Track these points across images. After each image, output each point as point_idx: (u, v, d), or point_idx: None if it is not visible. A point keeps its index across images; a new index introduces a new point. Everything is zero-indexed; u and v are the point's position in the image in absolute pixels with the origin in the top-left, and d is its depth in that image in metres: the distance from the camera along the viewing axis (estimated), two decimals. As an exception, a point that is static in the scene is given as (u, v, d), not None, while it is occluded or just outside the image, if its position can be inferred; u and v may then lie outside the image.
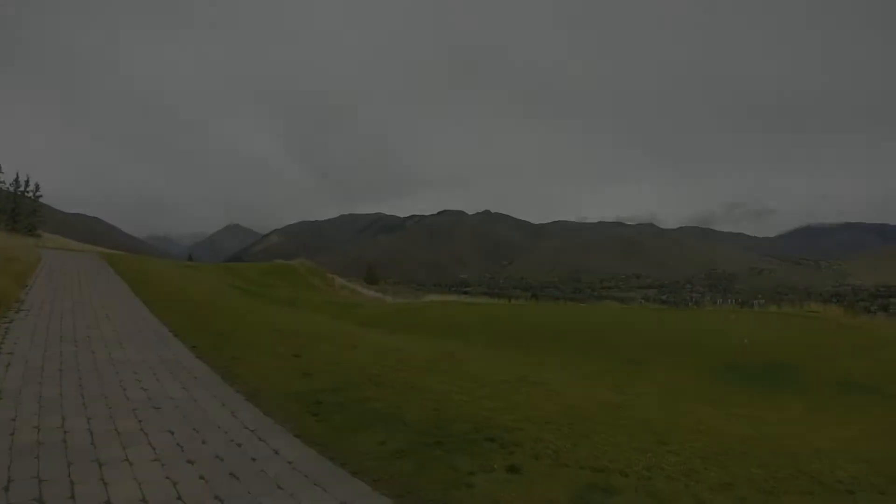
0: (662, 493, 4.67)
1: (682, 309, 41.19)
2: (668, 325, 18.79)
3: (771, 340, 16.07)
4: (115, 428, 5.11)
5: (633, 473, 5.01)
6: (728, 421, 8.10)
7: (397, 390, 7.29)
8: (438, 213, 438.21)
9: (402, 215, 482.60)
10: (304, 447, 5.05)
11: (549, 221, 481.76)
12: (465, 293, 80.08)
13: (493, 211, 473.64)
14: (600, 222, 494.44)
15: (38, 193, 53.43)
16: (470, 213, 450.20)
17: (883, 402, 10.77)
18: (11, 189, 50.53)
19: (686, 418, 7.97)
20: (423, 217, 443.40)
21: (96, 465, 4.27)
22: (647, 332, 16.90)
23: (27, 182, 52.54)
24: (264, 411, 6.00)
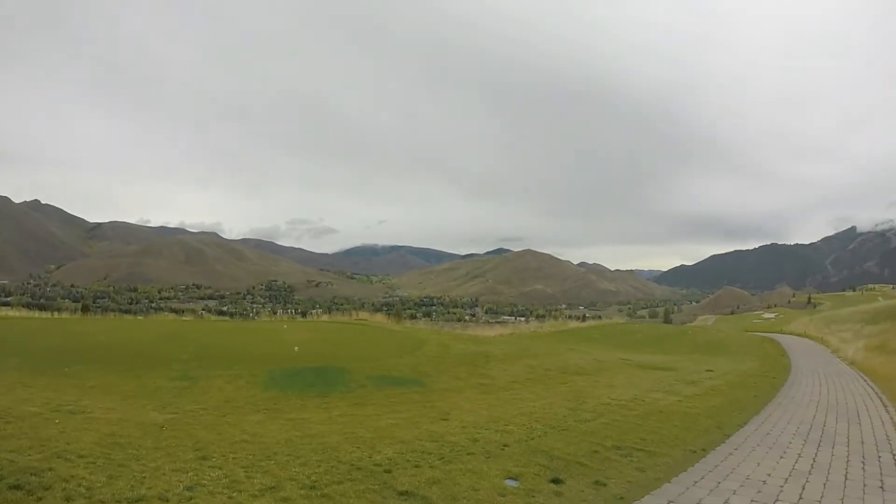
0: (206, 511, 4.76)
1: (239, 320, 41.79)
2: (224, 337, 18.70)
3: (322, 346, 17.34)
4: None
5: (173, 497, 5.01)
6: (275, 427, 8.30)
7: None
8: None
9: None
10: None
11: (107, 221, 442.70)
12: (5, 304, 67.55)
13: (43, 202, 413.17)
14: (162, 227, 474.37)
15: None
16: (17, 201, 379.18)
17: (420, 391, 12.56)
18: None
19: (232, 430, 8.00)
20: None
21: None
22: (202, 345, 16.55)
23: None
24: None
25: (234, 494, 5.16)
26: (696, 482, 6.72)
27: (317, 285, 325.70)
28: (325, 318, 38.29)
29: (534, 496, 5.75)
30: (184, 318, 32.38)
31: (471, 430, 8.45)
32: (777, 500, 6.28)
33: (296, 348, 16.31)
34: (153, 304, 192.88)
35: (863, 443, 9.47)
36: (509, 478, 6.27)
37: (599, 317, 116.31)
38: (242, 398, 11.09)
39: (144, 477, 5.44)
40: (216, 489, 5.26)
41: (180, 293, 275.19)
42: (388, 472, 6.07)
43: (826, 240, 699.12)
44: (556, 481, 6.26)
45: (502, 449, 7.44)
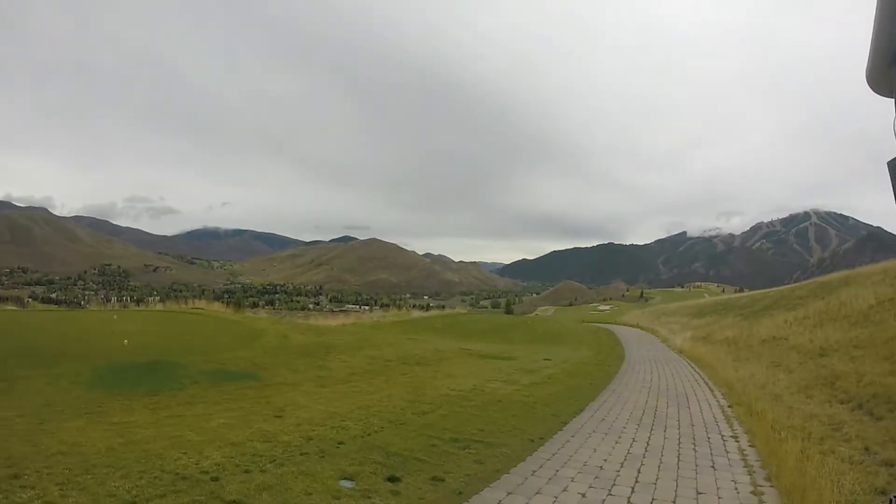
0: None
1: (66, 309, 38.62)
2: (49, 329, 17.15)
3: (154, 339, 16.33)
4: None
5: (-21, 526, 4.43)
6: (97, 434, 7.62)
7: None
8: None
9: None
10: None
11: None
12: None
13: None
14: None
15: None
16: None
17: (255, 386, 12.08)
18: None
19: (49, 440, 7.21)
20: None
21: None
22: (24, 339, 15.01)
23: None
24: None
25: (45, 518, 4.62)
26: (534, 471, 6.97)
27: (154, 270, 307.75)
28: (159, 306, 36.18)
29: (370, 497, 5.66)
30: (5, 308, 29.35)
31: (305, 428, 8.27)
32: (614, 484, 6.65)
33: (125, 341, 15.21)
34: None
35: (693, 425, 10.34)
36: (344, 478, 6.14)
37: (443, 306, 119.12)
38: (64, 401, 10.11)
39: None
40: (24, 514, 4.70)
41: (4, 278, 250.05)
42: (216, 479, 5.75)
43: (659, 241, 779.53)
44: (392, 479, 6.20)
45: (338, 447, 7.33)
